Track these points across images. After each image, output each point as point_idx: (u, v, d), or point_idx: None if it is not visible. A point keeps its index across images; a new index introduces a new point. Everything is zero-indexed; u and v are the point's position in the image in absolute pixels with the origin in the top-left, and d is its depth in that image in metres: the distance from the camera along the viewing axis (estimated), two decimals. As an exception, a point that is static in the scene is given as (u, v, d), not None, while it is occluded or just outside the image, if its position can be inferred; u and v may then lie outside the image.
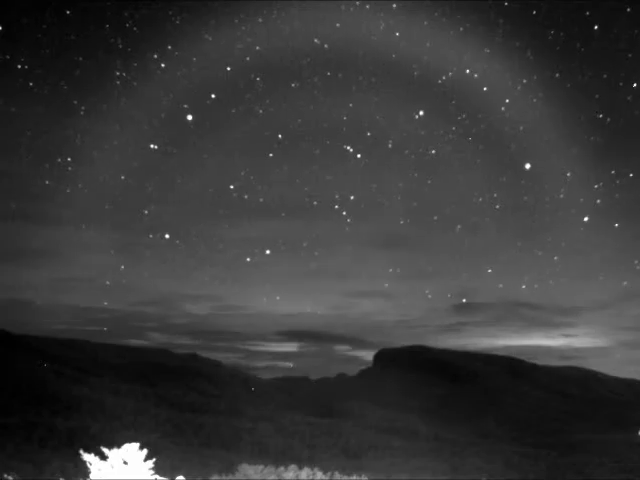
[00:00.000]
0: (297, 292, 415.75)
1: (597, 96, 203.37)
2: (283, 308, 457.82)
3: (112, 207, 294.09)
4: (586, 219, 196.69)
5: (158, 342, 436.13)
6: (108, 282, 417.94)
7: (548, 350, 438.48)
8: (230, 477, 31.97)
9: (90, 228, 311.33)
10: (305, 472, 31.26)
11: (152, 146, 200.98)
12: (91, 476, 17.82)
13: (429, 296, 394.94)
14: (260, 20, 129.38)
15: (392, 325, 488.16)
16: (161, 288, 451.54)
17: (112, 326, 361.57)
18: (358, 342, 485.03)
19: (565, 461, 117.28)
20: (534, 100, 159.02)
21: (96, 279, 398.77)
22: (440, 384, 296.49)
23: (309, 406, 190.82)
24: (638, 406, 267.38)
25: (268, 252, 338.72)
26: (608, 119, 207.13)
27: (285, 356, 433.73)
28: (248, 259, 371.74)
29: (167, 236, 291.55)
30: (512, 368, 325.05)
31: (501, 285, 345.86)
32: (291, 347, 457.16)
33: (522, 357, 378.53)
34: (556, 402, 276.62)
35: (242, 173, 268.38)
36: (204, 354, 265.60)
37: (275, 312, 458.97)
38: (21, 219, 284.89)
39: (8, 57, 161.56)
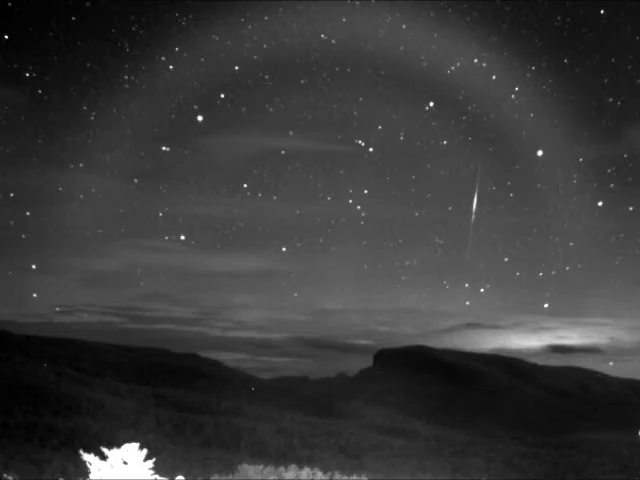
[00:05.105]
0: (315, 288, 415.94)
1: (606, 80, 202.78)
2: (301, 305, 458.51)
3: (126, 211, 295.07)
4: (600, 204, 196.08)
5: (174, 344, 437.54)
6: (125, 285, 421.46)
7: (551, 349, 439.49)
8: (230, 477, 31.98)
9: (105, 233, 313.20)
10: (305, 472, 31.28)
11: (164, 148, 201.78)
12: (91, 476, 17.85)
13: (447, 287, 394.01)
14: (266, 18, 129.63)
15: (405, 321, 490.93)
16: (178, 289, 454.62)
17: (129, 327, 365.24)
18: (363, 341, 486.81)
19: (565, 461, 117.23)
20: (543, 86, 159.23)
21: (113, 283, 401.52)
22: (440, 384, 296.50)
23: (309, 406, 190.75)
24: (638, 406, 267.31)
25: (284, 249, 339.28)
26: (618, 103, 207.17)
27: (292, 355, 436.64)
28: (265, 257, 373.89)
29: (182, 237, 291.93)
30: (512, 368, 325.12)
31: (518, 273, 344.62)
32: (298, 347, 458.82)
33: (522, 356, 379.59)
34: (556, 402, 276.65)
35: (255, 171, 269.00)
36: (206, 354, 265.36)
37: (292, 310, 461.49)
38: (36, 227, 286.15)
39: (16, 66, 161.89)
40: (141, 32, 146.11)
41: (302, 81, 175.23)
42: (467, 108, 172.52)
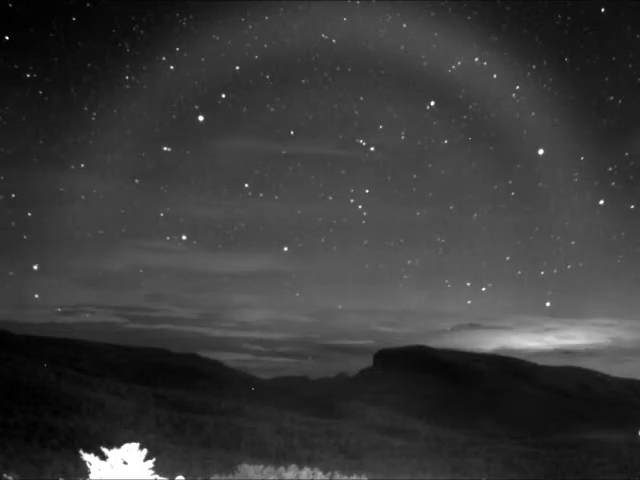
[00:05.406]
0: (317, 288, 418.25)
1: (607, 79, 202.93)
2: (302, 305, 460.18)
3: (127, 211, 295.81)
4: (601, 202, 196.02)
5: (174, 344, 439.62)
6: (127, 285, 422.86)
7: (551, 349, 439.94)
8: (230, 477, 32.00)
9: (107, 233, 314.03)
10: (305, 472, 31.30)
11: (165, 148, 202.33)
12: (91, 476, 17.85)
13: (448, 286, 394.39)
14: (267, 18, 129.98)
15: (406, 321, 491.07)
16: (179, 289, 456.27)
17: (130, 327, 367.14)
18: (363, 341, 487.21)
19: (565, 461, 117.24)
20: (544, 85, 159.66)
21: (114, 283, 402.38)
22: (440, 384, 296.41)
23: (309, 406, 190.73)
24: (638, 406, 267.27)
25: (286, 249, 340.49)
26: (619, 101, 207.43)
27: (292, 355, 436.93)
28: (266, 257, 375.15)
29: (184, 238, 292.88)
30: (512, 368, 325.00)
31: (519, 272, 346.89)
32: (298, 347, 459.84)
33: (522, 357, 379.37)
34: (556, 402, 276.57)
35: (256, 171, 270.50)
36: (206, 354, 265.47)
37: (293, 310, 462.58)
38: (37, 228, 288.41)
39: (16, 67, 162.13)
40: (142, 32, 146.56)
41: (303, 81, 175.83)
42: (468, 107, 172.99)
